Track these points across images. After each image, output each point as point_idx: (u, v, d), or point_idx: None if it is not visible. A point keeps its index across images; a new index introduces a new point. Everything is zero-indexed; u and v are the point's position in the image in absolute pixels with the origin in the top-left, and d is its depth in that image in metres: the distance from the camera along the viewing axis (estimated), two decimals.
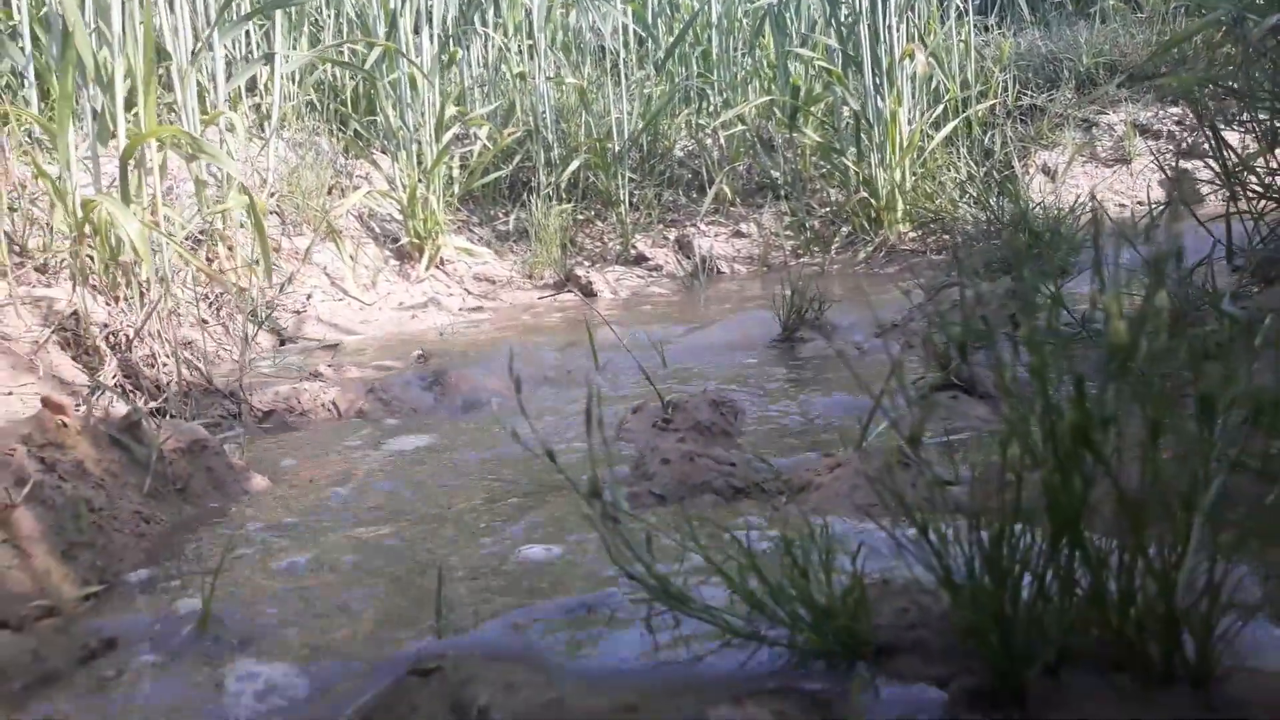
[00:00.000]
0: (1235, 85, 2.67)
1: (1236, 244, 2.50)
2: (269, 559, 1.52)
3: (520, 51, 6.15)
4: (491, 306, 4.74)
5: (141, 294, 2.78)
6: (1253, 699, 0.88)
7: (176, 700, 1.11)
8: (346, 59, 5.54)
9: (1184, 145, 5.45)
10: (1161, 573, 0.88)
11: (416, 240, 4.94)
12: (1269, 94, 2.56)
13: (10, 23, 3.87)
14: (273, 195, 4.46)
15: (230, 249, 3.79)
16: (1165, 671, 0.91)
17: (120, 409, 1.83)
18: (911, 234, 5.17)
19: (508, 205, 5.75)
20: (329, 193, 4.87)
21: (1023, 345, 0.88)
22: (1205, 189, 2.79)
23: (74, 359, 2.42)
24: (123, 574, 1.47)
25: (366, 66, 5.29)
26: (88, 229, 2.84)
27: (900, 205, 5.19)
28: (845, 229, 5.38)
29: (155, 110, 3.03)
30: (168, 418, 2.21)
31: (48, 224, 3.05)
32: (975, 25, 6.09)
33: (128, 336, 2.46)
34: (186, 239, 3.50)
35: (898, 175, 5.18)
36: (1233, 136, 2.74)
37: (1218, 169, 2.54)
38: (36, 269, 2.87)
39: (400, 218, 5.04)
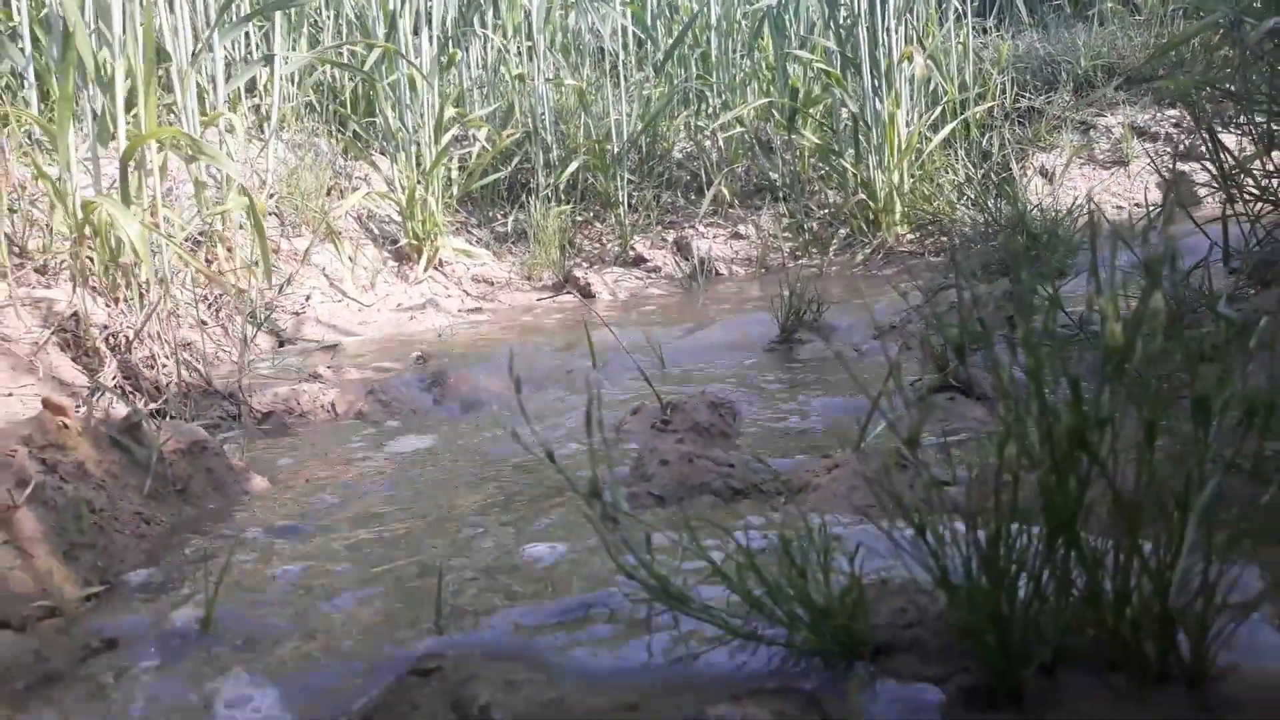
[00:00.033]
0: (1232, 88, 2.67)
1: (1233, 246, 2.51)
2: (269, 560, 1.53)
3: (519, 53, 6.16)
4: (490, 308, 4.75)
5: (141, 295, 2.78)
6: (1247, 698, 0.89)
7: (178, 700, 1.11)
8: (346, 60, 5.55)
9: (1181, 148, 5.46)
10: (1157, 573, 0.89)
11: (415, 242, 4.94)
12: (1266, 97, 2.57)
13: (10, 24, 3.88)
14: (272, 196, 4.47)
15: (229, 250, 3.79)
16: (1161, 671, 0.91)
17: (120, 410, 1.83)
18: (909, 236, 5.18)
19: (506, 207, 5.76)
20: (328, 194, 4.88)
21: (1020, 347, 0.88)
22: (1202, 191, 2.80)
23: (74, 360, 2.42)
24: (124, 575, 1.48)
25: (366, 68, 5.30)
26: (88, 230, 2.85)
27: (898, 207, 5.20)
28: (843, 231, 5.39)
29: (155, 111, 3.03)
30: (167, 419, 2.22)
31: (47, 225, 3.06)
32: (973, 27, 6.10)
33: (127, 338, 2.46)
34: (186, 240, 3.50)
35: (896, 177, 5.19)
36: (1230, 139, 2.75)
37: (1215, 172, 2.54)
38: (36, 270, 2.87)
39: (399, 219, 5.05)
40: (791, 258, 5.40)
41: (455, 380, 2.75)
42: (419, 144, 5.04)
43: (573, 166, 5.60)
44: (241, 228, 3.91)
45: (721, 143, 6.03)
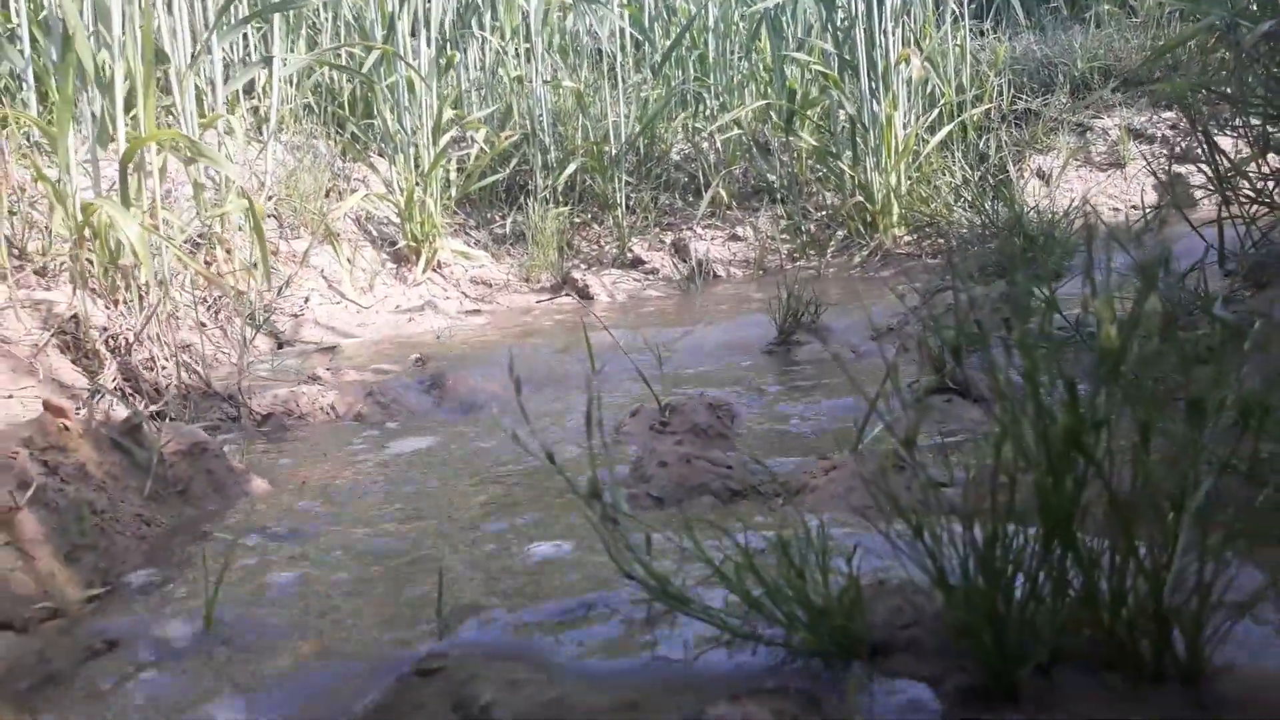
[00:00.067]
0: (1228, 90, 2.68)
1: (1229, 248, 2.52)
2: (270, 561, 1.54)
3: (517, 55, 6.17)
4: (489, 309, 4.75)
5: (141, 297, 2.79)
6: (1243, 697, 0.90)
7: (181, 701, 1.12)
8: (344, 62, 5.55)
9: (1178, 150, 5.47)
10: (1152, 573, 0.90)
11: (414, 243, 4.95)
12: (1261, 100, 2.58)
13: (9, 25, 3.88)
14: (270, 198, 4.47)
15: (228, 252, 3.80)
16: (1156, 671, 0.92)
17: (121, 412, 1.84)
18: (907, 238, 5.19)
19: (504, 208, 5.77)
20: (326, 196, 4.88)
21: (1016, 349, 0.89)
22: (1198, 194, 2.81)
23: (74, 362, 2.43)
24: (125, 576, 1.49)
25: (364, 70, 5.30)
26: (87, 232, 2.85)
27: (896, 209, 5.21)
28: (841, 233, 5.40)
29: (155, 114, 3.04)
30: (167, 421, 2.22)
31: (46, 227, 3.06)
32: (970, 29, 6.11)
33: (127, 340, 2.47)
34: (185, 242, 3.51)
35: (893, 179, 5.20)
36: (1226, 142, 2.76)
37: (1210, 174, 2.56)
38: (36, 272, 2.88)
39: (397, 221, 5.05)
40: (789, 259, 5.41)
41: (454, 382, 2.75)
42: (417, 146, 5.04)
43: (571, 168, 5.60)
44: (240, 230, 3.91)
45: (719, 145, 6.04)
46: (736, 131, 5.97)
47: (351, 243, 4.83)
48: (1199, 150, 2.59)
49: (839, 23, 5.47)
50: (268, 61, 4.66)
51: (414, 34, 5.09)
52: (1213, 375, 0.91)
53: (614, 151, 5.60)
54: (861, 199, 5.28)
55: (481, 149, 5.60)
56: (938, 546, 0.91)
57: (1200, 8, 2.90)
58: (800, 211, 5.62)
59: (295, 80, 5.49)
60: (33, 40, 3.49)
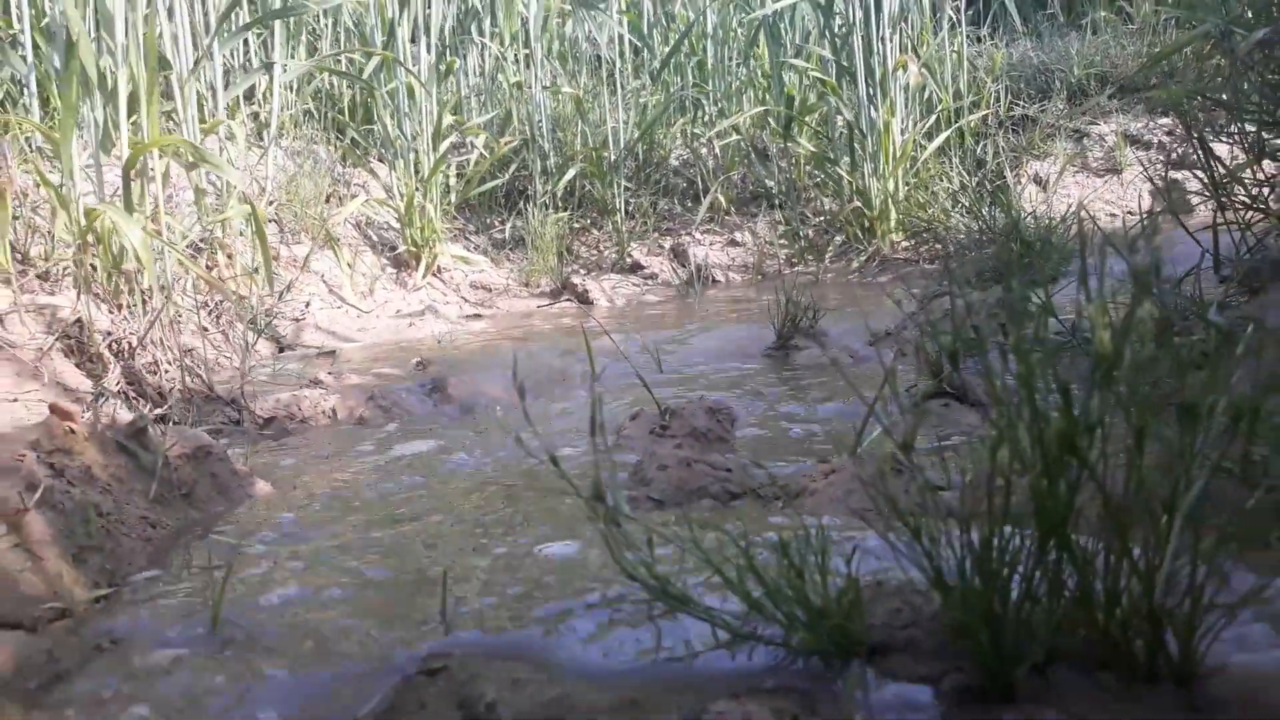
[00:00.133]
0: (1223, 97, 2.70)
1: (1224, 254, 2.54)
2: (275, 562, 1.55)
3: (517, 61, 6.19)
4: (489, 314, 4.77)
5: (144, 302, 2.80)
6: (1235, 698, 0.91)
7: (186, 700, 1.13)
8: (345, 68, 5.57)
9: (1174, 156, 5.50)
10: (1145, 574, 0.91)
11: (414, 248, 4.96)
12: (1256, 106, 2.60)
13: (10, 32, 3.90)
14: (271, 204, 4.49)
15: (230, 257, 3.81)
16: (1150, 671, 0.93)
17: (125, 416, 1.86)
18: (904, 243, 5.21)
19: (504, 214, 5.78)
20: (327, 201, 4.90)
21: (1012, 354, 0.91)
22: (1194, 199, 2.83)
23: (78, 366, 2.44)
24: (131, 577, 1.50)
25: (364, 76, 5.32)
26: (91, 237, 2.87)
27: (893, 215, 5.23)
28: (839, 238, 5.42)
29: (158, 119, 3.06)
30: (171, 424, 2.23)
31: (49, 232, 3.08)
32: (968, 36, 6.13)
33: (131, 344, 2.48)
34: (186, 247, 3.52)
35: (891, 185, 5.22)
36: (1221, 148, 2.78)
37: (1206, 180, 2.57)
38: (39, 276, 2.89)
39: (397, 226, 5.07)
40: (787, 265, 5.43)
41: (455, 386, 2.77)
42: (417, 151, 5.06)
43: (570, 174, 5.62)
44: (241, 235, 3.93)
45: (718, 150, 6.06)
46: (735, 137, 5.99)
47: (352, 248, 4.85)
48: (1195, 156, 2.61)
49: (837, 29, 5.49)
50: (268, 67, 4.67)
51: (414, 40, 5.11)
52: (1206, 380, 0.93)
53: (613, 157, 5.62)
54: (859, 204, 5.30)
55: (481, 154, 5.61)
56: (935, 548, 0.93)
57: (1196, 15, 2.92)
58: (798, 217, 5.64)
59: (296, 86, 5.51)
60: (35, 46, 3.51)
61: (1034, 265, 3.16)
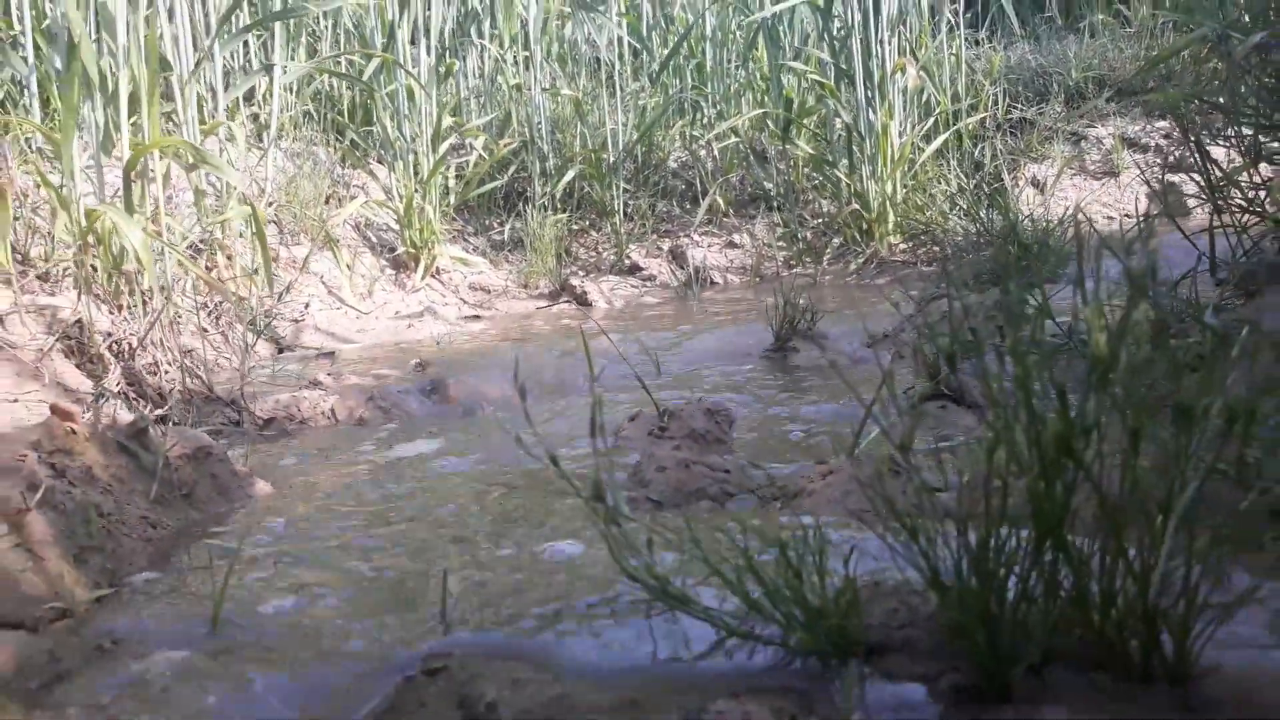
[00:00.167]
0: (1220, 101, 2.71)
1: (1220, 257, 2.55)
2: (275, 562, 1.56)
3: (516, 63, 6.19)
4: (488, 316, 4.77)
5: (144, 302, 2.81)
6: (1229, 698, 0.92)
7: (187, 700, 1.14)
8: (344, 70, 5.58)
9: (1171, 159, 5.51)
10: (1141, 575, 0.92)
11: (413, 250, 4.97)
12: (1253, 110, 2.61)
13: (11, 33, 3.90)
14: (271, 205, 4.49)
15: (229, 258, 3.82)
16: (1145, 671, 0.94)
17: (126, 416, 1.86)
18: (902, 246, 5.21)
19: (503, 215, 5.78)
20: (326, 202, 4.90)
21: (1009, 356, 0.91)
22: (1191, 202, 2.84)
23: (78, 367, 2.45)
24: (131, 577, 1.51)
25: (364, 77, 5.32)
26: (91, 238, 2.87)
27: (891, 217, 5.23)
28: (837, 240, 5.42)
29: (159, 121, 3.06)
30: (171, 425, 2.24)
31: (49, 233, 3.08)
32: (966, 39, 6.14)
33: (131, 345, 2.49)
34: (186, 248, 3.53)
35: (889, 187, 5.23)
36: (1218, 151, 2.79)
37: (1203, 183, 2.58)
38: (38, 277, 2.90)
39: (397, 227, 5.07)
40: (786, 267, 5.43)
41: (454, 387, 2.78)
42: (416, 153, 5.07)
43: (569, 175, 5.63)
44: (241, 236, 3.94)
45: (716, 152, 6.06)
46: (734, 140, 6.00)
47: (351, 249, 4.85)
48: (1191, 160, 2.62)
49: (835, 32, 5.50)
50: (269, 69, 4.68)
51: (413, 42, 5.12)
52: (1201, 382, 0.93)
53: (612, 159, 5.63)
54: (857, 207, 5.31)
55: (480, 156, 5.62)
56: (932, 549, 0.93)
57: (1193, 19, 2.93)
58: (797, 219, 5.64)
59: (295, 88, 5.51)
60: (36, 48, 3.51)
61: (1031, 268, 3.17)
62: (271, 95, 4.70)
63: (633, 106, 5.94)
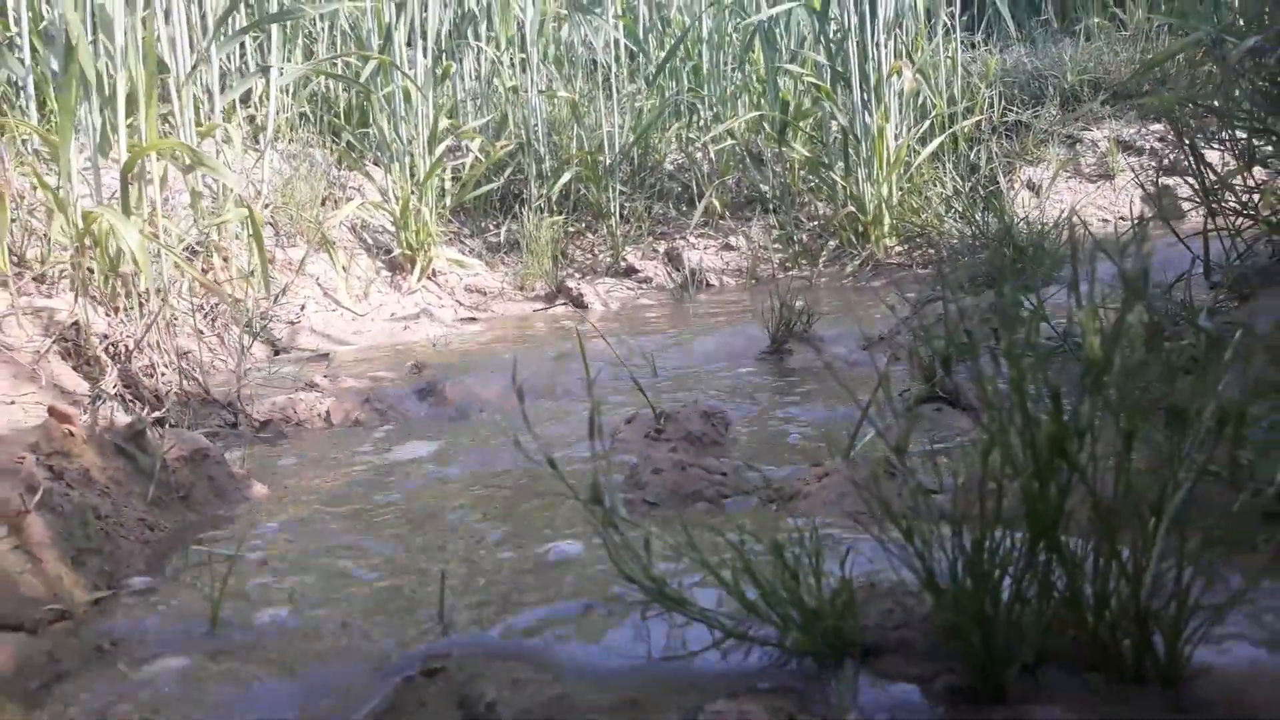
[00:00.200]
0: (1215, 104, 2.72)
1: (1214, 260, 2.56)
2: (272, 564, 1.56)
3: (513, 65, 6.20)
4: (484, 318, 4.78)
5: (140, 304, 2.81)
6: (1219, 699, 0.93)
7: (187, 701, 1.14)
8: (341, 72, 5.58)
9: (1165, 162, 5.53)
10: (1133, 576, 0.93)
11: (409, 252, 4.97)
12: (1247, 113, 2.62)
13: (8, 34, 3.90)
14: (267, 207, 4.50)
15: (226, 260, 3.82)
16: (1137, 672, 0.95)
17: (123, 418, 1.86)
18: (898, 248, 5.23)
19: (499, 217, 5.79)
20: (322, 204, 4.90)
21: (1004, 359, 0.92)
22: (1186, 205, 2.85)
23: (75, 369, 2.45)
24: (129, 579, 1.51)
25: (361, 79, 5.33)
26: (88, 240, 2.88)
27: (887, 220, 5.25)
28: (833, 243, 5.44)
29: (156, 123, 3.07)
30: (168, 427, 2.24)
31: (46, 235, 3.08)
32: (962, 42, 6.16)
33: (128, 347, 2.49)
34: (183, 250, 3.53)
35: (885, 190, 5.24)
36: (1213, 155, 2.80)
37: (1197, 186, 2.59)
38: (35, 279, 2.90)
39: (393, 229, 5.08)
40: (781, 269, 5.44)
41: (451, 389, 2.78)
42: (413, 155, 5.07)
43: (565, 177, 5.63)
44: (237, 238, 3.94)
45: (713, 155, 6.07)
46: (730, 142, 6.01)
47: (347, 251, 4.86)
48: (1186, 162, 2.63)
49: (832, 35, 5.51)
50: (265, 71, 4.68)
51: (410, 44, 5.12)
52: (1194, 385, 0.94)
53: (608, 161, 5.63)
54: (853, 209, 5.32)
55: (477, 158, 5.63)
56: (927, 550, 0.94)
57: (1188, 23, 2.95)
58: (793, 221, 5.65)
59: (292, 89, 5.52)
60: (32, 49, 3.51)
61: (1026, 270, 3.18)
62: (268, 97, 4.70)
63: (629, 109, 5.95)
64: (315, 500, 1.93)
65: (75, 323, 2.51)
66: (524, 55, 5.98)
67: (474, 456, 2.21)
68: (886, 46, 5.30)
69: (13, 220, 3.03)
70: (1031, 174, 5.80)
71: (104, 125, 3.14)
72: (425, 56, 5.16)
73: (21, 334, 2.48)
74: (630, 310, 4.88)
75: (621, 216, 5.67)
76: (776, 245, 5.59)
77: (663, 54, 6.31)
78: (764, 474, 1.80)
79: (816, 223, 5.64)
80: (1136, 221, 2.75)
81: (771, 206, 5.79)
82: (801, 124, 5.93)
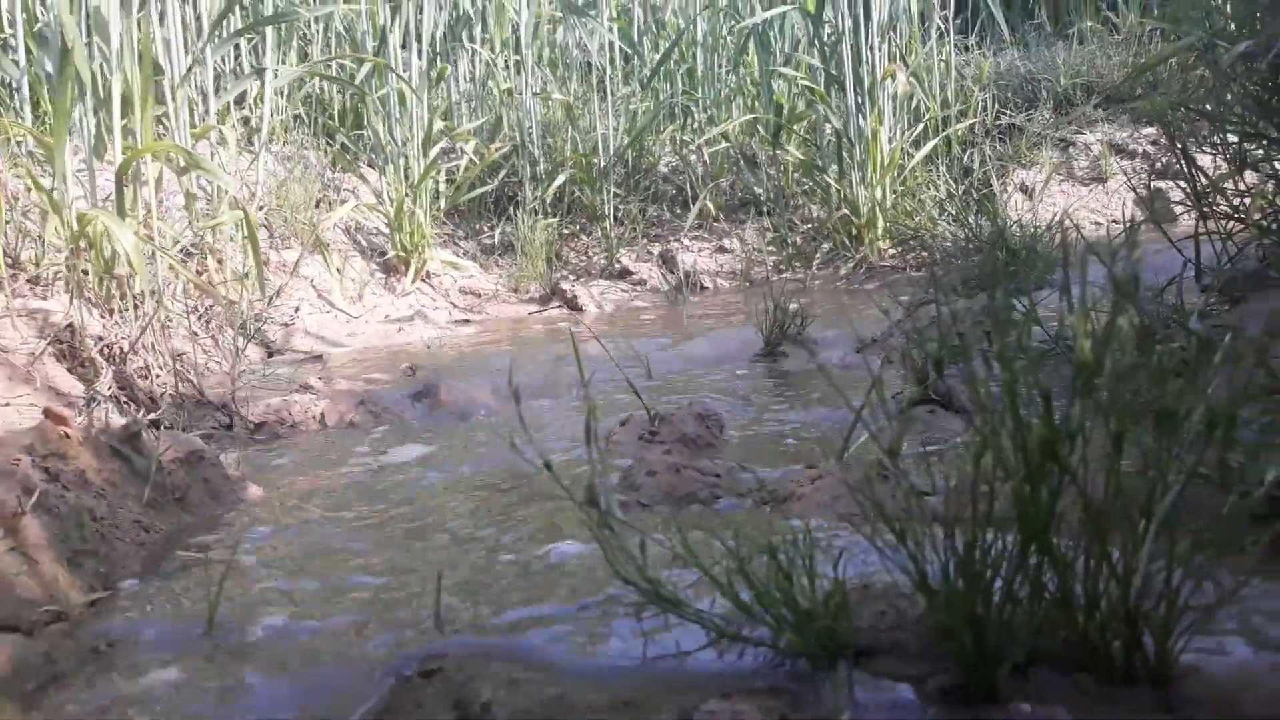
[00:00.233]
0: (1207, 108, 2.74)
1: (1206, 263, 2.57)
2: (269, 565, 1.57)
3: (507, 67, 6.20)
4: (478, 320, 4.78)
5: (135, 306, 2.81)
6: (1208, 698, 0.94)
7: (183, 702, 1.14)
8: (335, 74, 5.58)
9: (1158, 166, 5.55)
10: (1123, 578, 0.94)
11: (403, 254, 4.97)
12: (1238, 118, 2.63)
13: (3, 36, 3.90)
14: (261, 209, 4.49)
15: (220, 262, 3.82)
16: (1127, 672, 0.96)
17: (118, 420, 1.87)
18: (891, 251, 5.24)
19: (493, 219, 5.79)
20: (316, 206, 4.90)
21: (996, 362, 0.93)
22: (1177, 209, 2.86)
23: (70, 370, 2.45)
24: (125, 581, 1.51)
25: (356, 81, 5.33)
26: (83, 242, 2.88)
27: (881, 222, 5.26)
28: (827, 245, 5.45)
29: (151, 125, 3.07)
30: (163, 429, 2.24)
31: (40, 237, 3.08)
32: (956, 45, 6.17)
33: (122, 349, 2.49)
34: (178, 252, 3.53)
35: (878, 193, 5.25)
36: (1204, 158, 2.81)
37: (1189, 190, 2.60)
38: (30, 281, 2.90)
39: (387, 231, 5.08)
40: (775, 271, 5.45)
41: (445, 391, 2.78)
42: (407, 157, 5.07)
43: (559, 180, 5.64)
44: (232, 240, 3.94)
45: (707, 157, 6.08)
46: (724, 145, 6.02)
47: (341, 253, 4.86)
48: (1178, 166, 2.64)
49: (826, 38, 5.53)
50: (260, 73, 4.68)
51: (405, 46, 5.13)
52: (1185, 387, 0.95)
53: (602, 163, 5.64)
54: (847, 212, 5.33)
55: (471, 160, 5.63)
56: (920, 552, 0.95)
57: (1180, 28, 2.96)
58: (786, 224, 5.67)
59: (287, 91, 5.51)
60: (27, 51, 3.51)
61: (1019, 273, 3.19)
62: (263, 99, 4.70)
63: (624, 111, 5.96)
64: (309, 501, 1.94)
65: (70, 325, 2.51)
66: (519, 58, 5.98)
67: (469, 458, 2.21)
68: (881, 50, 5.31)
69: (7, 222, 3.03)
70: (1025, 177, 5.82)
71: (99, 127, 3.14)
72: (420, 59, 5.16)
73: (16, 336, 2.48)
74: (625, 312, 4.89)
75: (616, 219, 5.67)
76: (770, 248, 5.60)
77: (657, 57, 6.32)
78: (758, 476, 1.81)
79: (810, 225, 5.65)
80: (1128, 225, 2.76)
81: (766, 209, 5.80)
82: (796, 127, 5.94)
